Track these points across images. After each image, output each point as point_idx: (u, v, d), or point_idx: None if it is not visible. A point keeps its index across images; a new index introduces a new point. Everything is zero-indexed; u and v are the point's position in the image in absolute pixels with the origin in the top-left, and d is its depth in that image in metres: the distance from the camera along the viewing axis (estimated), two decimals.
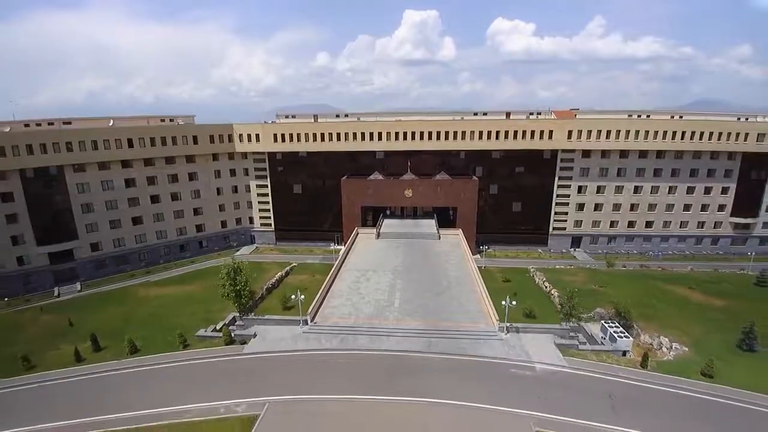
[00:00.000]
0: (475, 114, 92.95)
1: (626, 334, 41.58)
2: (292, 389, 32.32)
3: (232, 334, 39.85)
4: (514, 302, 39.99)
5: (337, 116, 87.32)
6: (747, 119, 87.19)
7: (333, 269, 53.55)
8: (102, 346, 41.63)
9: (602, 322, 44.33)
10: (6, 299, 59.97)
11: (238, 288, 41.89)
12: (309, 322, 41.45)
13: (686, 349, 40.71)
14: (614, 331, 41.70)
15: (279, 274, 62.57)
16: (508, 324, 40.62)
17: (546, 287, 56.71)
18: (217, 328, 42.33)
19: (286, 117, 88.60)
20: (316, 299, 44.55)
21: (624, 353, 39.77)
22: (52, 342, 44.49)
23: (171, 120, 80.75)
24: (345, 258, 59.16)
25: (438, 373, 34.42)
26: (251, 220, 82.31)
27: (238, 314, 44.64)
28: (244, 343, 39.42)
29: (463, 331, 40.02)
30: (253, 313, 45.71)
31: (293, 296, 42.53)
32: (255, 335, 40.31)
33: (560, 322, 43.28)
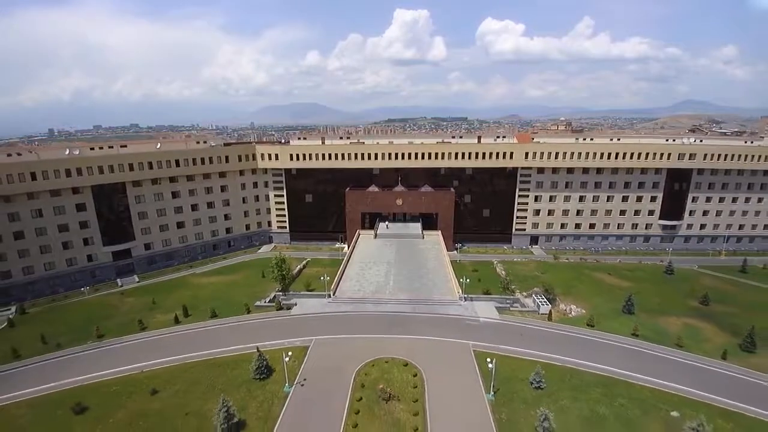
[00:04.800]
0: (452, 136, 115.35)
1: (548, 303, 64.36)
2: (328, 332, 54.87)
3: (281, 303, 61.55)
4: (468, 279, 62.59)
5: (341, 138, 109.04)
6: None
7: (344, 261, 75.67)
8: (189, 314, 62.82)
9: (534, 295, 67.13)
10: (87, 288, 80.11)
11: (282, 273, 63.60)
12: (331, 295, 63.48)
13: (584, 311, 63.62)
14: (540, 301, 64.59)
15: (298, 267, 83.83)
16: (466, 295, 63.38)
17: (502, 274, 79.11)
18: (267, 300, 63.98)
19: (299, 139, 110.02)
20: (334, 281, 66.64)
21: (542, 314, 62.40)
22: (147, 314, 65.28)
23: (205, 142, 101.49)
24: (351, 253, 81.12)
25: (418, 324, 57.14)
26: (269, 223, 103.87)
27: (279, 292, 66.34)
28: (289, 309, 61.45)
29: (435, 300, 62.78)
30: (290, 291, 67.38)
31: (320, 278, 64.47)
32: (296, 304, 62.46)
33: (502, 294, 65.96)
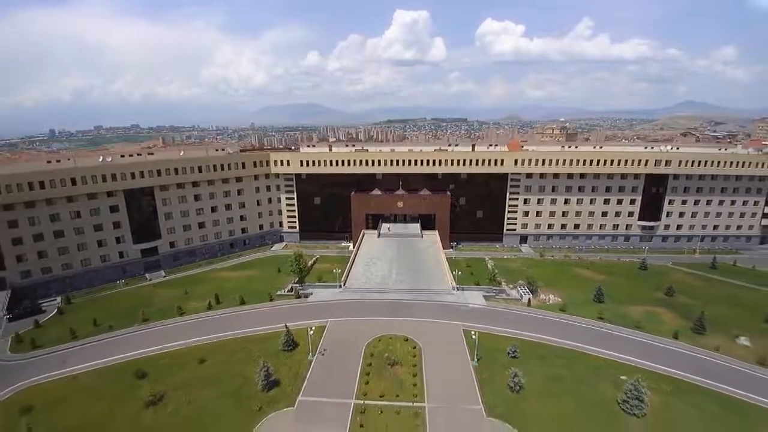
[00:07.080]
0: (449, 144, 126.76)
1: (529, 293, 75.87)
2: (341, 315, 66.71)
3: (299, 293, 73.04)
4: (461, 273, 74.17)
5: (346, 146, 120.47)
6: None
7: (351, 257, 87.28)
8: (220, 301, 74.18)
9: (518, 287, 78.65)
10: (123, 281, 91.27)
11: (300, 266, 75.11)
12: (342, 286, 75.00)
13: (560, 299, 75.11)
14: (523, 292, 76.14)
15: (309, 263, 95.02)
16: (458, 286, 74.98)
17: (491, 268, 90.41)
18: (287, 290, 75.50)
19: (308, 146, 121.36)
20: (344, 274, 78.27)
21: (524, 302, 73.87)
22: (183, 302, 76.47)
23: (223, 149, 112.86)
24: (357, 251, 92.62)
25: (417, 309, 68.91)
26: (281, 223, 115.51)
27: (296, 283, 77.78)
28: (306, 297, 73.04)
29: (432, 289, 74.41)
30: (305, 283, 78.84)
31: (333, 271, 76.02)
32: (311, 293, 74.05)
33: (489, 285, 77.53)
